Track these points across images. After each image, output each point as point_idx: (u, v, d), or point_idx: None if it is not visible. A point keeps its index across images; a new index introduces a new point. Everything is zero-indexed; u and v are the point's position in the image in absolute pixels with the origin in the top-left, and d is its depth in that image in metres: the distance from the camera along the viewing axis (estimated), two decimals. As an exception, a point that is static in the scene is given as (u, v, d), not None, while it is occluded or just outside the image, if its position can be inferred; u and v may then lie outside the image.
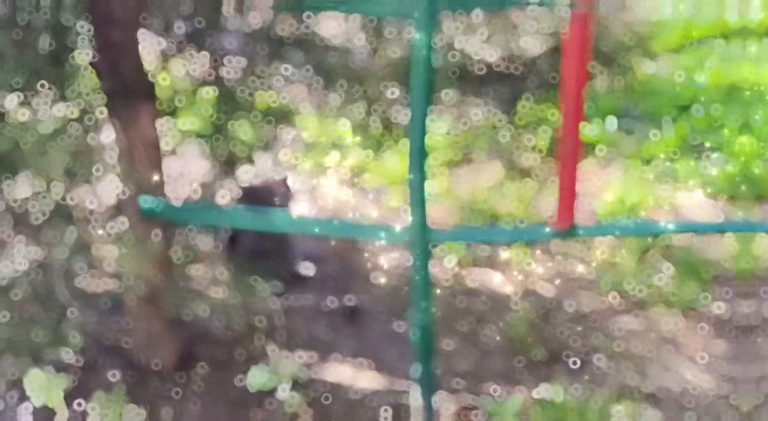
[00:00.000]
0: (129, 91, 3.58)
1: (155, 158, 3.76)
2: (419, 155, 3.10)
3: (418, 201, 3.16)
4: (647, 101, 6.64)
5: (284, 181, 4.94)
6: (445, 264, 4.99)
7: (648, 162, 5.98)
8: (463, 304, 4.68)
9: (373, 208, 5.60)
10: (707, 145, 6.15)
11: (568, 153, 3.06)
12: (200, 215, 3.64)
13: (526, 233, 3.58)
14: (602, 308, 4.63)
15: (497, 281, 4.88)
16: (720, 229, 3.53)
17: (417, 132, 3.09)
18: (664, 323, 4.47)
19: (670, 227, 3.55)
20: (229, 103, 4.33)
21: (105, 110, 3.58)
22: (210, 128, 4.37)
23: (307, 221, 3.49)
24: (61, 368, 3.98)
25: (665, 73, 7.15)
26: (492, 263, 5.02)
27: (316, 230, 3.58)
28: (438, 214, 5.37)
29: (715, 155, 5.99)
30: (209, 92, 4.36)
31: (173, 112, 4.31)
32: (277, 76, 4.34)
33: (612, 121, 6.38)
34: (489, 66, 4.51)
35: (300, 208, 5.44)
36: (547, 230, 3.19)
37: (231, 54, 4.34)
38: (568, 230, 3.18)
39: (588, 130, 6.20)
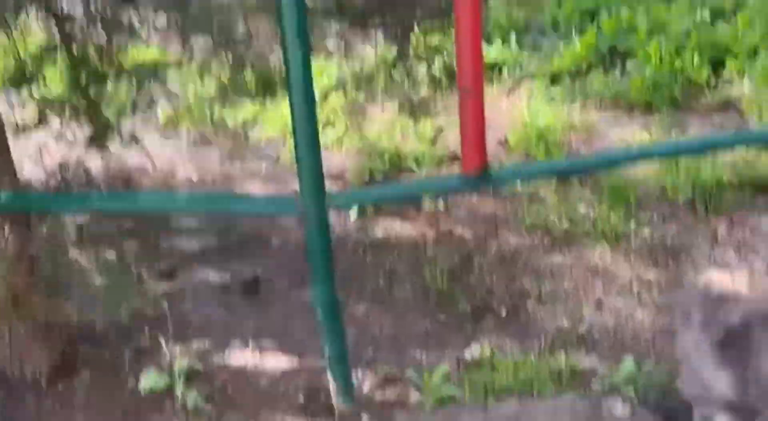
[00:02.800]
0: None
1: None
2: (305, 107, 2.62)
3: (310, 164, 2.68)
4: (551, 10, 6.18)
5: None
6: (347, 216, 4.56)
7: (557, 79, 5.53)
8: (371, 259, 4.26)
9: (266, 163, 5.11)
10: (618, 53, 5.74)
11: (468, 85, 2.60)
12: (55, 203, 3.12)
13: (434, 186, 3.13)
14: (526, 246, 4.29)
15: (407, 228, 4.43)
16: (647, 156, 3.14)
17: (298, 80, 2.61)
18: (592, 256, 4.16)
19: (591, 162, 3.15)
20: (86, 64, 3.79)
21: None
22: (66, 97, 3.84)
23: (180, 199, 3.00)
24: None
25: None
26: (399, 209, 4.59)
27: (194, 208, 3.09)
28: (337, 161, 4.96)
29: (628, 63, 5.57)
30: (60, 55, 3.83)
31: (22, 83, 3.78)
32: (137, 26, 3.83)
33: (514, 39, 5.92)
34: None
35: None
36: (457, 181, 2.74)
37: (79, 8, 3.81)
38: (480, 178, 2.74)
39: (490, 51, 5.78)
